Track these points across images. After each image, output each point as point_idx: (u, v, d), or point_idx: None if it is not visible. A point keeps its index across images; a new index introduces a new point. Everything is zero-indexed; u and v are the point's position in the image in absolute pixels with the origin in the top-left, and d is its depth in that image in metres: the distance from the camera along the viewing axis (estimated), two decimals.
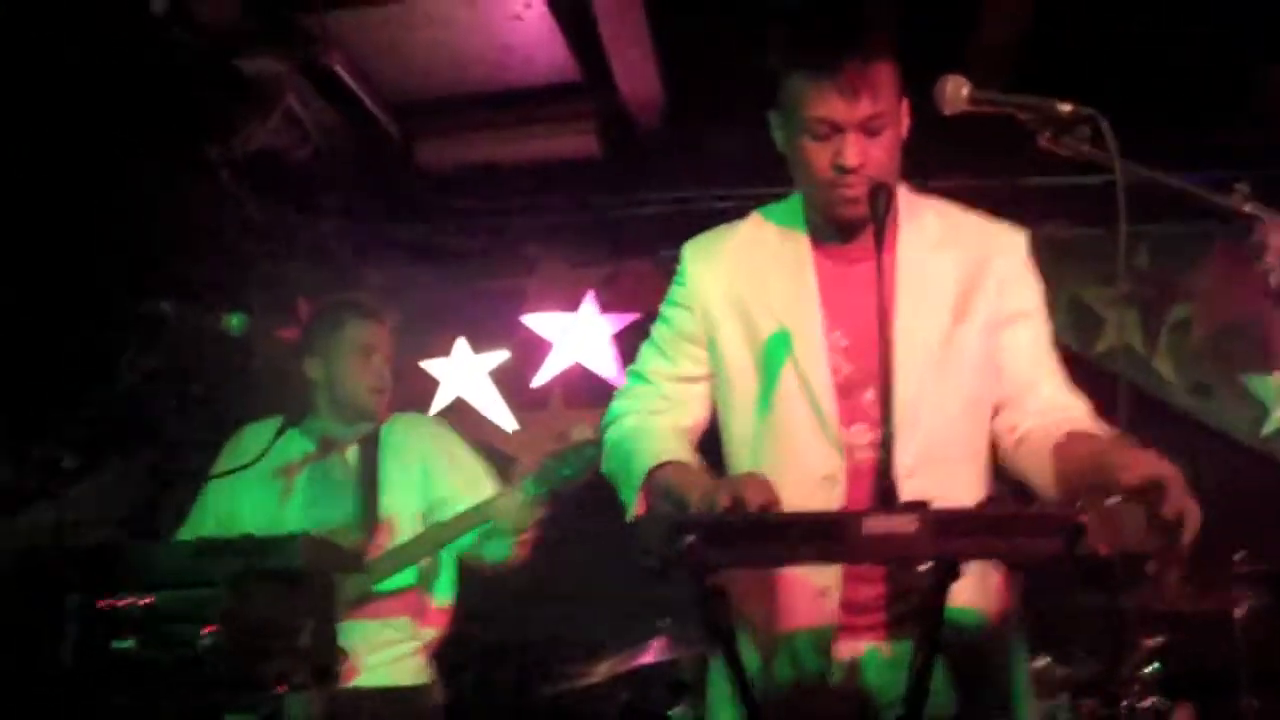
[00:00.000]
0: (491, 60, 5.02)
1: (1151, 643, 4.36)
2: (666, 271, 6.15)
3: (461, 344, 5.98)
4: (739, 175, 5.06)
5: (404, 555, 3.93)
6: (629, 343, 5.87)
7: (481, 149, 5.48)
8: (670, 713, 4.65)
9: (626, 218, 5.72)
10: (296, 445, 4.12)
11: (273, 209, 5.54)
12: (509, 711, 5.36)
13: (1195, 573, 4.53)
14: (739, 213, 2.82)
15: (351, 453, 4.12)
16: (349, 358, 4.12)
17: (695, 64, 5.08)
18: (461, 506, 3.94)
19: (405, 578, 3.99)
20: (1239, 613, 4.56)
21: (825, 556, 2.16)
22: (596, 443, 3.80)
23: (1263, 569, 4.59)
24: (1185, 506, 2.11)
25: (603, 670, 4.71)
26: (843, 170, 2.49)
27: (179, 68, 4.65)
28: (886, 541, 2.04)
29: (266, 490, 4.05)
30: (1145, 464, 2.17)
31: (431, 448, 4.15)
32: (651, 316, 6.00)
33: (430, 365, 5.96)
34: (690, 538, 2.10)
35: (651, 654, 4.66)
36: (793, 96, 2.52)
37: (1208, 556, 4.54)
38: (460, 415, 5.75)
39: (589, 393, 5.84)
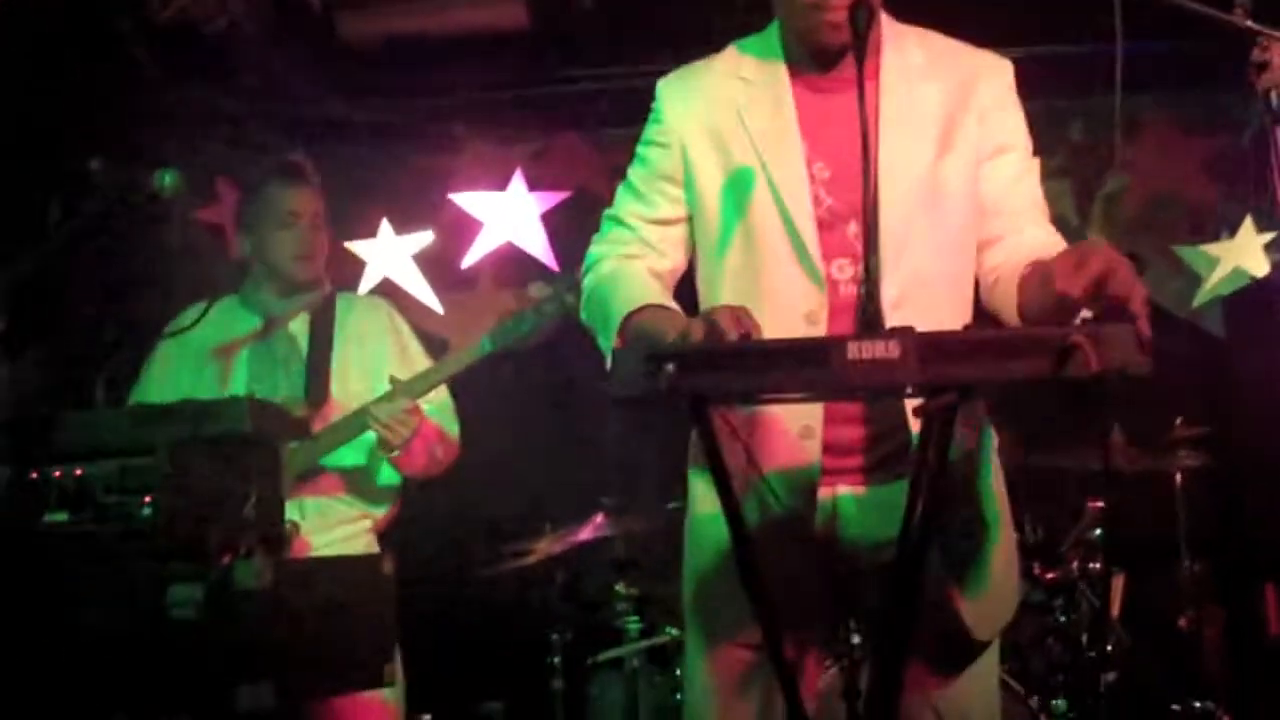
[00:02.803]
0: None
1: (1095, 506, 4.41)
2: (596, 147, 6.02)
3: (386, 225, 5.83)
4: (674, 49, 4.94)
5: (330, 439, 3.85)
6: (557, 221, 5.77)
7: (407, 20, 5.27)
8: (615, 588, 4.63)
9: (558, 93, 5.58)
10: (241, 321, 3.99)
11: (189, 85, 5.33)
12: (448, 595, 5.30)
13: (1137, 434, 4.58)
14: None
15: (297, 327, 4.00)
16: (270, 226, 3.96)
17: None
18: None
19: (353, 456, 3.91)
20: (1179, 477, 4.63)
21: (809, 386, 2.08)
22: (555, 300, 3.73)
23: (1200, 433, 4.65)
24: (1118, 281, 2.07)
25: (540, 549, 4.67)
26: None
27: None
28: (872, 368, 1.96)
29: (206, 371, 3.93)
30: (1080, 267, 2.10)
31: (387, 340, 4.05)
32: (581, 194, 5.90)
33: (356, 246, 5.81)
34: (669, 367, 2.03)
35: (589, 531, 4.62)
36: None
37: (1148, 421, 4.65)
38: (388, 296, 5.62)
39: (518, 272, 5.74)
